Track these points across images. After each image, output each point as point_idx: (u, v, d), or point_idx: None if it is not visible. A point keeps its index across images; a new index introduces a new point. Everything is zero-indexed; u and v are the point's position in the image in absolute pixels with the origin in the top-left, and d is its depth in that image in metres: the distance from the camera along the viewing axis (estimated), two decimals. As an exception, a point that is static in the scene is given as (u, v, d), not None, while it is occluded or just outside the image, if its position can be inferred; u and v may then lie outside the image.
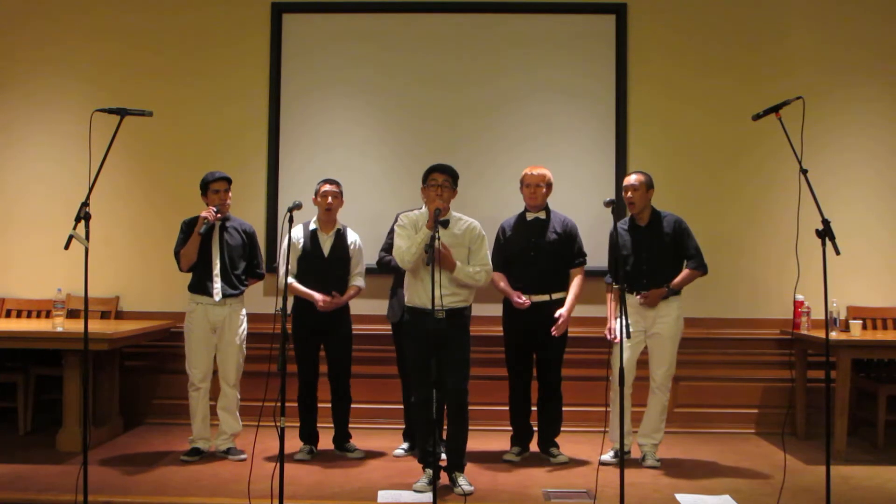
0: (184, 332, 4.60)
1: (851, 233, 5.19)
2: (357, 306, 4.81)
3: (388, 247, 4.58)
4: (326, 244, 4.57)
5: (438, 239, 3.63)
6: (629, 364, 4.33)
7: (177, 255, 4.55)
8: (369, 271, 4.79)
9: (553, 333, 4.37)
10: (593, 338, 4.89)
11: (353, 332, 4.69)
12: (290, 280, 4.52)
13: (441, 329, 3.79)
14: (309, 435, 4.62)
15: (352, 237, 4.67)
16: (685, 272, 4.46)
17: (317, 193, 4.58)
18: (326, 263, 4.55)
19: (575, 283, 4.50)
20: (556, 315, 4.39)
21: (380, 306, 5.05)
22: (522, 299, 4.41)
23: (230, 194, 4.57)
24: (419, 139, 5.48)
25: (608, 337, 4.49)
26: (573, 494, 3.86)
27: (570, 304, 4.44)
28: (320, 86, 5.54)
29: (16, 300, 5.49)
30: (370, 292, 4.86)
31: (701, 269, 4.48)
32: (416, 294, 3.92)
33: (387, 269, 4.61)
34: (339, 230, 4.61)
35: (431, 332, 3.59)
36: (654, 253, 4.41)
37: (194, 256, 4.49)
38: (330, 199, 4.54)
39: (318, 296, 4.45)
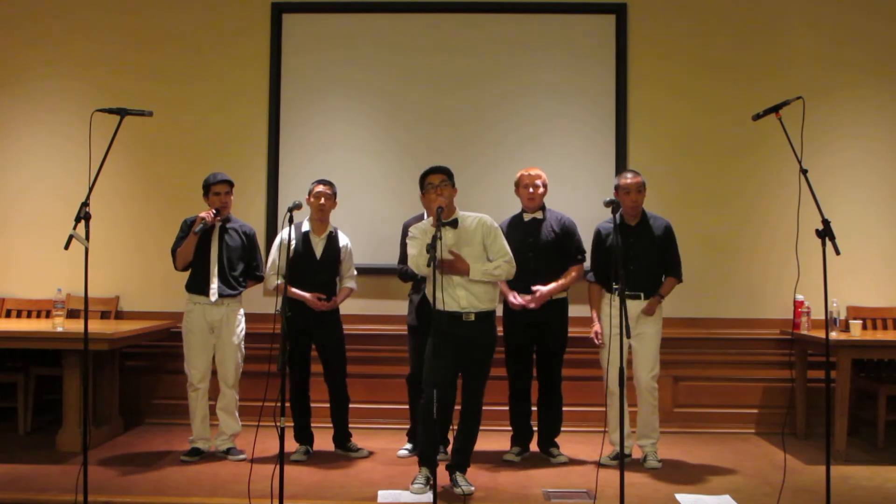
0: (182, 332, 4.60)
1: (851, 233, 5.19)
2: (351, 307, 4.82)
3: (402, 258, 4.58)
4: (319, 247, 4.56)
5: (440, 239, 3.61)
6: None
7: (173, 252, 4.56)
8: (361, 272, 4.79)
9: (530, 305, 4.37)
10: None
11: (347, 332, 4.68)
12: (281, 281, 4.52)
13: (465, 333, 3.83)
14: (303, 436, 4.60)
15: (343, 240, 4.66)
16: (670, 280, 4.48)
17: (310, 194, 4.57)
18: (318, 266, 4.54)
19: (567, 274, 4.50)
20: (534, 289, 4.39)
21: (371, 306, 5.10)
22: (517, 300, 4.41)
23: (231, 197, 4.57)
24: (419, 139, 5.47)
25: (595, 341, 4.49)
26: (573, 494, 3.86)
27: (553, 286, 4.42)
28: (320, 86, 5.53)
29: (16, 300, 5.49)
30: (363, 293, 4.86)
31: (679, 278, 4.52)
32: (438, 298, 3.82)
33: (408, 278, 4.58)
34: (331, 233, 4.60)
35: (440, 333, 3.59)
36: (641, 254, 4.40)
37: (190, 256, 4.50)
38: (322, 199, 4.52)
39: (309, 295, 4.45)
